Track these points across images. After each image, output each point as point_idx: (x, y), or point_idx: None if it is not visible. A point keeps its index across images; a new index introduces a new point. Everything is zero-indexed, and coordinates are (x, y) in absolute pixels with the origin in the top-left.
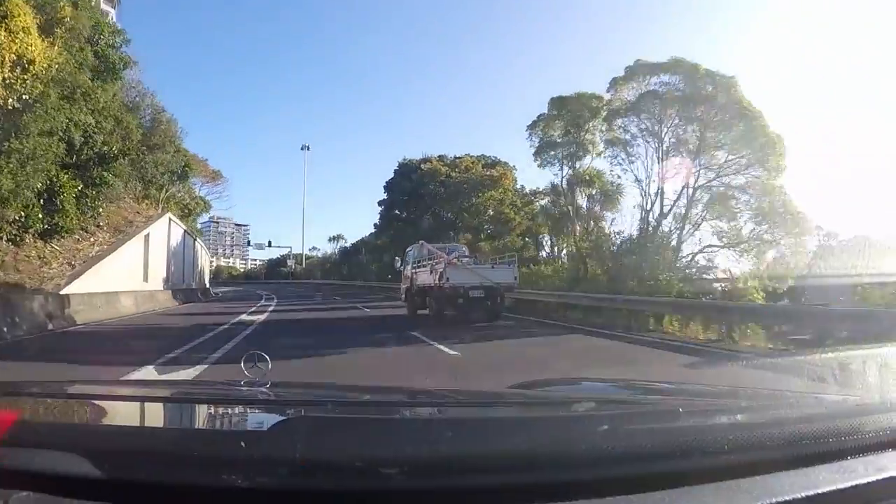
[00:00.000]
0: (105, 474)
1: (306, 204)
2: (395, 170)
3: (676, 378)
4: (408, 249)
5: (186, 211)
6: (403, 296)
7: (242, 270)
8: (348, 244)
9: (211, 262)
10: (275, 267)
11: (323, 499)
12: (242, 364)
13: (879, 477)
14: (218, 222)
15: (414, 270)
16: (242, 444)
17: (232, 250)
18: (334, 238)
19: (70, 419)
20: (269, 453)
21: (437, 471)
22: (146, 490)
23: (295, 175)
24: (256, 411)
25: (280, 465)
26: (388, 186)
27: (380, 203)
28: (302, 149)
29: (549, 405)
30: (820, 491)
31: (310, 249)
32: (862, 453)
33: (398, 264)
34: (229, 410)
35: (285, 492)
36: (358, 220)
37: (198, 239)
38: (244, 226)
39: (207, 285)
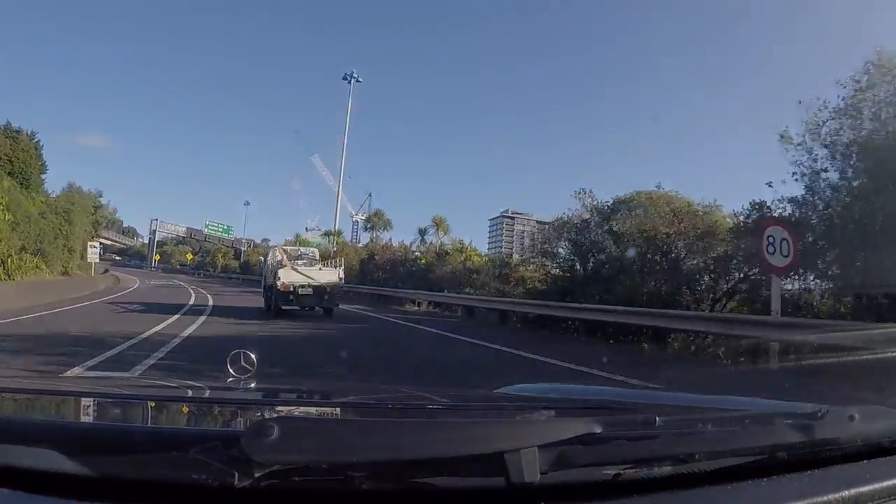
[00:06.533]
0: (79, 471)
1: None
2: None
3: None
4: (269, 251)
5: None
6: (263, 293)
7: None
8: None
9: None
10: None
11: (293, 500)
12: (228, 363)
13: (851, 491)
14: (513, 217)
15: (268, 271)
16: (216, 443)
17: (533, 252)
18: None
19: (45, 415)
20: (241, 454)
21: (404, 473)
22: (119, 487)
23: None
24: (234, 411)
25: (251, 466)
26: None
27: None
28: None
29: (523, 410)
30: (792, 503)
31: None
32: (835, 464)
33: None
34: (207, 410)
35: (255, 492)
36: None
37: None
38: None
39: None
